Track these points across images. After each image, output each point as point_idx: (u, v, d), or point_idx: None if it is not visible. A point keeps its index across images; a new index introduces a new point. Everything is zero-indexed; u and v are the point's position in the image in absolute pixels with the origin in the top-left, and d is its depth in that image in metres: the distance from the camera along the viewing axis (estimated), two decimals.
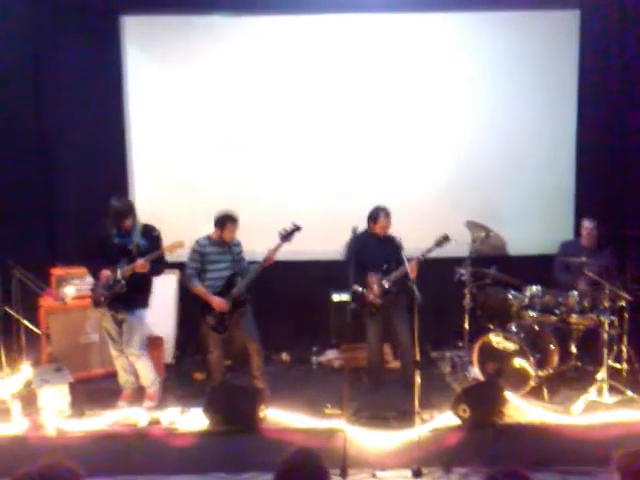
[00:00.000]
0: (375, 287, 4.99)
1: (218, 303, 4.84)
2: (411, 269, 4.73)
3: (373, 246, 5.04)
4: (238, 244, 5.05)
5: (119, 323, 4.72)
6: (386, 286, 5.00)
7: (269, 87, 6.07)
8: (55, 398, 4.53)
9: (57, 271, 5.44)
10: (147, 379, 4.82)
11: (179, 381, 5.35)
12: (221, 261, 4.95)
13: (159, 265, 4.70)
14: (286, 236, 4.87)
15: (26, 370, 4.97)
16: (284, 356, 6.01)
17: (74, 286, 5.40)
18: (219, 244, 4.94)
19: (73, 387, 4.67)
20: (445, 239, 4.97)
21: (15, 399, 4.48)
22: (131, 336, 4.71)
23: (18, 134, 5.90)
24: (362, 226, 4.98)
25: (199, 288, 4.89)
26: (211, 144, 6.16)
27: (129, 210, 4.67)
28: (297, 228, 4.89)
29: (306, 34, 6.04)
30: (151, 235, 4.74)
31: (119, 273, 4.57)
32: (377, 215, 5.09)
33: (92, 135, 5.96)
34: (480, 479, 2.01)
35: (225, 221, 4.89)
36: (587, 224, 5.42)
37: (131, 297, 4.64)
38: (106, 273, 4.61)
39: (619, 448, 2.19)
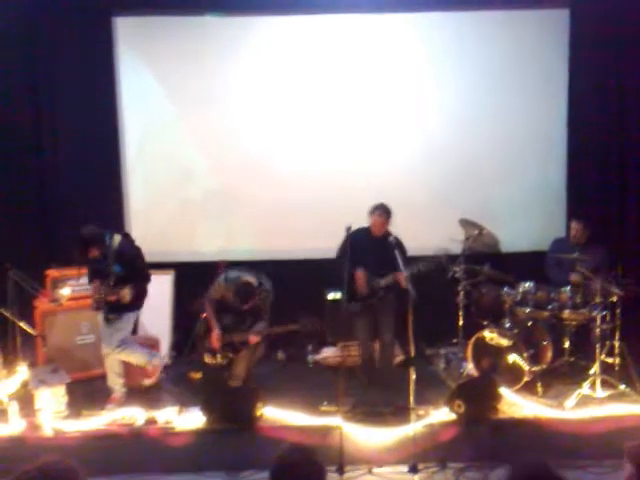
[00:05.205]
0: (363, 283, 5.02)
1: (215, 338, 4.94)
2: (400, 279, 4.71)
3: (365, 245, 5.02)
4: None
5: (110, 322, 4.74)
6: (374, 287, 5.03)
7: (262, 86, 6.07)
8: (52, 399, 4.54)
9: (52, 272, 5.43)
10: (138, 361, 4.88)
11: (175, 381, 5.35)
12: None
13: (140, 287, 4.66)
14: None
15: (23, 371, 4.97)
16: (280, 354, 6.02)
17: (69, 287, 5.39)
18: None
19: (70, 388, 4.69)
20: (443, 260, 4.98)
21: (12, 400, 4.48)
22: (114, 332, 4.72)
23: (12, 134, 5.90)
24: (356, 225, 4.96)
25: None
26: (205, 144, 6.16)
27: (91, 240, 4.50)
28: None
29: (297, 34, 6.04)
30: (124, 260, 4.64)
31: (102, 291, 4.59)
32: (372, 212, 5.07)
33: (86, 136, 5.96)
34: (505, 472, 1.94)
35: None
36: (574, 224, 5.45)
37: (120, 306, 4.65)
38: (96, 285, 4.64)
39: (629, 439, 2.12)
